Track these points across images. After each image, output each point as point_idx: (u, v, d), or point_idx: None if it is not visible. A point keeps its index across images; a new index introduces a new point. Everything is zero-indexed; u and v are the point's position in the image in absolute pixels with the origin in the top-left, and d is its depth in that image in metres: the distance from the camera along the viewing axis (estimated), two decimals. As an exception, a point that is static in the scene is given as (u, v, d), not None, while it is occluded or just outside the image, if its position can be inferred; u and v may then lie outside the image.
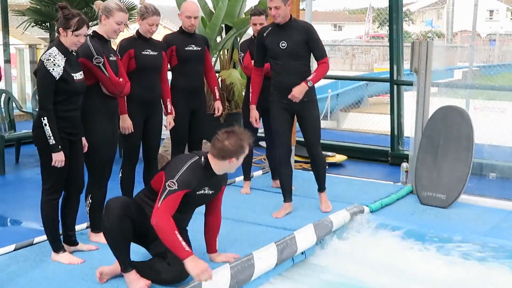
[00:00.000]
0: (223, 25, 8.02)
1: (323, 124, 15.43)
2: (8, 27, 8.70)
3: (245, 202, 5.56)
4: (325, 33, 43.14)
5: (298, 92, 4.87)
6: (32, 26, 7.92)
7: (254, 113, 5.37)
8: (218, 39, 8.03)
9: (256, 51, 5.19)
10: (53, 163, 3.85)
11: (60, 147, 3.82)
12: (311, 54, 5.06)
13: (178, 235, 3.52)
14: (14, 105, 7.59)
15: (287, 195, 5.24)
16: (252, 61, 5.51)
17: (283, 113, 5.09)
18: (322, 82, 18.18)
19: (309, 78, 4.92)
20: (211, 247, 4.09)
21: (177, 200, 3.58)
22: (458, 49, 21.65)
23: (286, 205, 5.22)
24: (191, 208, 3.89)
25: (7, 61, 8.76)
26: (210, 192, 3.82)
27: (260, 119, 5.67)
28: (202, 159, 3.73)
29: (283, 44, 4.96)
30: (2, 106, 7.39)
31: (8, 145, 7.47)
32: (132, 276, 3.60)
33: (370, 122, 13.36)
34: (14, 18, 8.79)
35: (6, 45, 8.78)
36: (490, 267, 4.44)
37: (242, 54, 5.73)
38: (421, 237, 4.90)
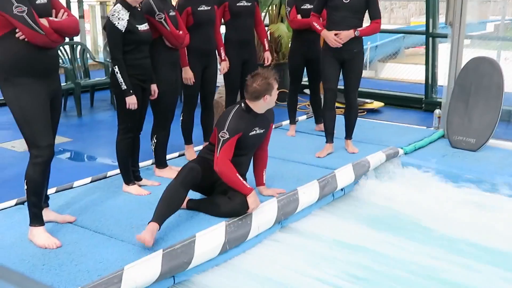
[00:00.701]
0: (272, -18, 7.83)
1: (363, 73, 15.20)
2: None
3: (290, 143, 5.55)
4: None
5: (344, 35, 4.79)
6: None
7: (330, 35, 4.89)
8: (268, -5, 7.86)
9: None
10: (127, 106, 3.90)
11: (131, 91, 3.86)
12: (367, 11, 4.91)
13: (239, 176, 3.62)
14: (88, 55, 7.68)
15: (329, 136, 5.19)
16: (298, 15, 5.40)
17: (333, 61, 4.98)
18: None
19: (359, 29, 4.82)
20: (259, 180, 4.11)
21: (232, 146, 3.63)
22: (491, 3, 20.65)
23: (327, 146, 5.18)
24: (250, 150, 3.90)
25: (81, 16, 8.83)
26: (261, 131, 3.84)
27: (304, 68, 5.60)
28: (243, 105, 3.77)
29: None
30: (78, 56, 7.49)
31: (84, 91, 7.63)
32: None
33: (406, 72, 13.02)
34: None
35: (80, 2, 8.82)
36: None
37: (289, 9, 5.60)
38: (452, 177, 4.84)
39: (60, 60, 7.26)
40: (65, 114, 7.16)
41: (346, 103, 5.23)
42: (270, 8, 8.02)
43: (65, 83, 7.09)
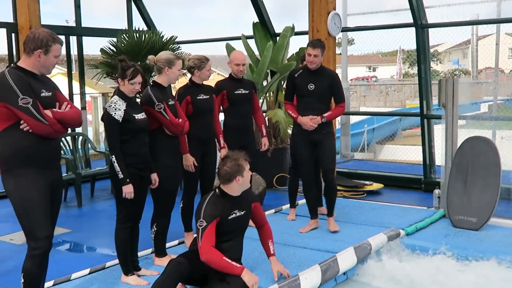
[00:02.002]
0: (269, 71, 8.08)
1: (361, 155, 15.35)
2: (84, 79, 8.99)
3: (291, 227, 5.51)
4: (360, 74, 43.11)
5: (314, 120, 5.10)
6: (104, 77, 8.15)
7: (306, 119, 5.17)
8: (265, 83, 8.09)
9: (286, 87, 5.38)
10: (123, 195, 3.92)
11: (128, 180, 3.89)
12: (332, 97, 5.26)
13: (226, 259, 3.60)
14: (89, 145, 7.79)
15: (313, 213, 5.39)
16: None
17: (305, 144, 5.23)
18: (359, 118, 18.13)
19: (325, 114, 5.15)
20: (267, 251, 4.12)
21: (211, 233, 3.66)
22: (483, 84, 21.22)
23: (311, 222, 5.38)
24: (236, 234, 3.89)
25: (83, 107, 9.01)
26: (242, 213, 3.87)
27: None
28: (217, 191, 3.83)
29: (311, 86, 5.15)
30: (79, 147, 7.59)
31: (84, 181, 7.66)
32: None
33: (404, 153, 13.16)
34: (89, 71, 9.09)
35: (83, 94, 9.06)
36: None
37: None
38: (456, 257, 4.75)
39: (62, 151, 7.36)
40: (66, 205, 7.16)
41: (324, 183, 5.37)
42: (267, 94, 8.24)
43: (66, 174, 7.14)
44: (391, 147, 16.28)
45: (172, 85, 5.15)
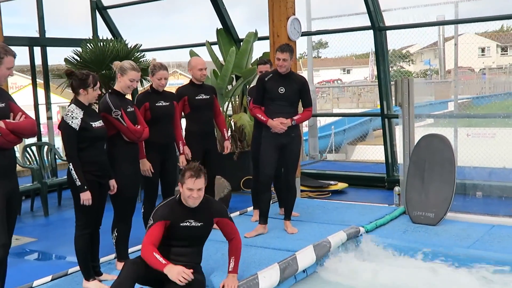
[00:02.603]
0: (233, 76, 8.19)
1: (333, 156, 15.54)
2: (49, 89, 8.97)
3: (254, 228, 5.58)
4: (335, 76, 43.49)
5: (284, 123, 5.17)
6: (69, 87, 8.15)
7: (276, 122, 5.23)
8: (229, 87, 8.19)
9: (256, 91, 5.39)
10: (81, 202, 3.97)
11: (85, 187, 3.94)
12: (300, 101, 5.36)
13: (156, 254, 3.61)
14: (55, 155, 7.78)
15: (263, 218, 5.41)
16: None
17: (272, 147, 5.27)
18: (329, 119, 18.25)
19: (295, 117, 5.24)
20: (228, 266, 4.08)
21: (155, 232, 3.72)
22: (452, 83, 21.64)
23: (259, 227, 5.39)
24: (191, 241, 3.91)
25: (50, 117, 9.00)
26: (198, 224, 3.87)
27: None
28: (177, 197, 3.88)
29: (282, 90, 5.22)
30: (45, 156, 7.59)
31: (52, 190, 7.66)
32: None
33: (375, 153, 13.35)
34: (55, 80, 9.09)
35: (49, 104, 9.03)
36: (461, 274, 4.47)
37: (249, 98, 5.88)
38: (411, 252, 4.89)
39: (27, 161, 7.35)
40: (32, 214, 7.15)
41: (285, 185, 5.46)
42: (232, 99, 8.33)
43: (32, 183, 7.14)
44: (362, 147, 16.49)
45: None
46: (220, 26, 8.60)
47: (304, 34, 7.50)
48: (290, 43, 6.86)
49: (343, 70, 47.43)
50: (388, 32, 7.54)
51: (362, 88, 33.39)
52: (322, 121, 18.92)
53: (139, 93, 5.18)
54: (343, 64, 46.07)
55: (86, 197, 3.96)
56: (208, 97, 5.46)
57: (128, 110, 4.47)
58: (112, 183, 4.26)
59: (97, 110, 4.33)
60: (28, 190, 7.20)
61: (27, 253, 5.57)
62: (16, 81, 26.54)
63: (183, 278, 3.50)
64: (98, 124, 4.07)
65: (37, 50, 8.73)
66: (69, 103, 4.10)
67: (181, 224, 3.82)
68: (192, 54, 8.14)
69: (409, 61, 40.74)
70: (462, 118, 7.73)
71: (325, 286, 4.48)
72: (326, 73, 44.21)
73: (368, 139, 18.05)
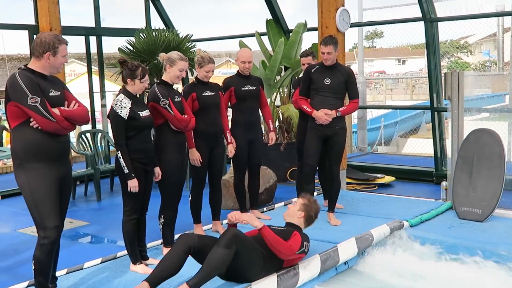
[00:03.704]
0: (282, 66, 8.23)
1: (384, 149, 15.37)
2: (103, 77, 9.27)
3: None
4: (389, 67, 42.77)
5: (329, 114, 5.19)
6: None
7: (321, 114, 5.26)
8: (278, 78, 8.24)
9: (302, 83, 5.44)
10: (128, 189, 4.14)
11: (133, 175, 4.10)
12: (347, 92, 5.36)
13: None
14: (108, 142, 8.06)
15: None
16: None
17: (316, 139, 5.32)
18: (379, 112, 18.02)
19: (340, 109, 5.22)
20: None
21: None
22: (508, 75, 20.97)
23: None
24: None
25: (104, 105, 9.30)
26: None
27: None
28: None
29: (327, 81, 5.24)
30: (99, 143, 7.88)
31: (104, 176, 7.96)
32: None
33: (427, 146, 13.15)
34: (110, 68, 9.39)
35: (103, 92, 9.34)
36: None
37: (293, 90, 5.93)
38: (456, 249, 4.83)
39: (82, 147, 7.66)
40: (86, 199, 7.46)
41: (328, 176, 5.47)
42: (280, 90, 8.39)
43: (86, 169, 7.44)
44: (414, 140, 16.22)
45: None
46: (270, 16, 8.65)
47: (353, 25, 7.46)
48: (339, 34, 6.87)
49: (398, 60, 46.52)
50: (444, 22, 7.41)
51: (417, 80, 32.76)
52: (374, 113, 18.74)
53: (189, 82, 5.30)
54: (399, 55, 45.19)
55: (133, 184, 4.12)
56: (254, 88, 5.54)
57: (176, 100, 4.60)
58: (157, 170, 4.41)
59: (145, 101, 4.47)
60: (82, 175, 7.51)
61: (79, 236, 5.83)
62: (74, 69, 27.48)
63: None
64: (145, 113, 4.22)
65: (92, 39, 9.03)
66: (118, 93, 4.26)
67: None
68: (242, 44, 8.23)
69: (467, 51, 39.60)
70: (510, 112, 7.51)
71: (366, 279, 4.50)
72: (380, 64, 43.48)
73: (421, 132, 17.73)
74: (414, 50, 45.18)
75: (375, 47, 47.62)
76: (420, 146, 14.12)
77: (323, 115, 5.19)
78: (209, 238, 4.03)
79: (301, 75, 6.20)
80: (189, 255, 3.83)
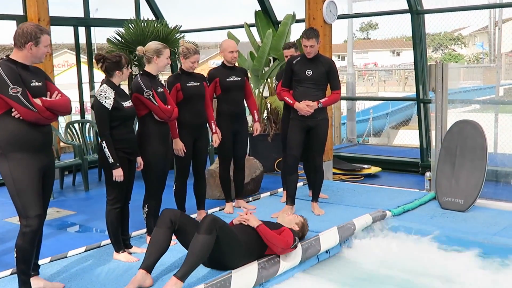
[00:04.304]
0: (270, 57, 8.26)
1: (372, 141, 15.43)
2: (92, 68, 9.28)
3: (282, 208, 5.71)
4: (384, 58, 42.79)
5: (310, 105, 5.24)
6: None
7: (302, 105, 5.30)
8: (266, 69, 8.27)
9: (284, 74, 5.48)
10: (114, 178, 4.18)
11: (117, 164, 4.15)
12: (328, 84, 5.40)
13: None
14: (97, 132, 8.07)
15: (290, 199, 5.51)
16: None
17: (299, 130, 5.37)
18: (369, 103, 18.04)
19: (322, 100, 5.26)
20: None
21: None
22: (502, 68, 21.06)
23: (285, 208, 5.47)
24: None
25: (93, 96, 9.29)
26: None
27: None
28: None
29: (309, 72, 5.26)
30: (87, 133, 7.90)
31: (92, 167, 7.99)
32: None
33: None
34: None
35: (93, 83, 9.33)
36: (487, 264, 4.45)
37: (276, 82, 5.97)
38: (437, 238, 4.91)
39: (70, 138, 7.68)
40: (74, 189, 7.49)
41: (312, 167, 5.53)
42: (268, 80, 8.43)
43: (73, 159, 7.47)
44: (405, 132, 16.29)
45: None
46: (259, 8, 8.67)
47: (340, 16, 7.49)
48: (326, 26, 6.92)
49: (392, 52, 46.54)
50: (437, 14, 7.47)
51: (411, 72, 32.78)
52: (366, 104, 18.77)
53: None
54: (393, 46, 45.20)
55: (118, 174, 4.17)
56: (239, 79, 5.57)
57: (159, 90, 4.63)
58: (139, 160, 4.46)
59: (126, 91, 4.51)
60: (70, 165, 7.54)
61: (66, 225, 5.87)
62: (68, 59, 27.38)
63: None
64: (128, 104, 4.26)
65: (81, 30, 9.02)
66: (100, 84, 4.29)
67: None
68: (230, 36, 8.25)
69: (461, 43, 39.64)
70: (497, 104, 7.58)
71: (348, 268, 4.56)
72: (374, 55, 43.49)
73: (412, 123, 17.79)
74: (408, 41, 45.17)
75: (369, 38, 47.57)
76: (410, 137, 14.19)
77: (305, 107, 5.24)
78: (191, 218, 4.16)
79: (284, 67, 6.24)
80: (173, 234, 3.92)
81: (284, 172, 5.99)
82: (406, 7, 7.38)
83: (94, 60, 9.21)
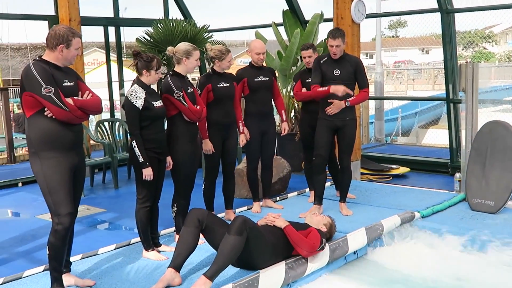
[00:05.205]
0: (298, 57, 8.25)
1: (401, 140, 15.28)
2: (122, 67, 9.40)
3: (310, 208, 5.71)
4: (413, 56, 42.31)
5: (336, 105, 5.21)
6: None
7: (340, 87, 5.22)
8: (294, 68, 8.26)
9: (314, 72, 5.41)
10: (143, 178, 4.24)
11: (147, 164, 4.20)
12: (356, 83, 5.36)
13: None
14: (126, 131, 8.19)
15: (318, 199, 5.50)
16: (304, 89, 5.78)
17: (327, 130, 5.34)
18: (397, 103, 17.86)
19: (349, 99, 5.22)
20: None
21: None
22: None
23: (313, 208, 5.47)
24: None
25: (122, 94, 9.41)
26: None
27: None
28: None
29: (337, 72, 5.23)
30: (116, 132, 8.01)
31: (122, 164, 8.10)
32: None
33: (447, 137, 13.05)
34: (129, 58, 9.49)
35: (122, 81, 9.45)
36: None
37: (294, 83, 5.97)
38: (465, 239, 4.85)
39: (100, 136, 7.80)
40: (104, 187, 7.61)
41: (340, 167, 5.50)
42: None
43: (103, 157, 7.58)
44: (434, 131, 16.10)
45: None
46: (286, 7, 8.66)
47: (369, 16, 7.43)
48: (354, 26, 6.88)
49: (421, 50, 45.98)
50: (468, 12, 7.39)
51: (440, 70, 32.34)
52: (395, 103, 18.59)
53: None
54: (422, 44, 44.65)
55: (148, 173, 4.22)
56: (267, 79, 5.58)
57: (188, 91, 4.67)
58: (169, 159, 4.50)
59: (156, 91, 4.56)
60: (100, 163, 7.66)
61: (96, 222, 5.97)
62: (97, 57, 27.76)
63: None
64: (158, 104, 4.31)
65: (111, 29, 9.14)
66: (131, 84, 4.35)
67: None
68: (257, 35, 8.27)
69: (492, 41, 38.94)
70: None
71: (375, 269, 4.54)
72: (403, 53, 43.02)
73: (441, 123, 17.57)
74: (438, 39, 44.54)
75: (398, 36, 47.06)
76: (440, 137, 14.02)
77: (341, 87, 5.15)
78: (219, 217, 4.20)
79: (302, 69, 6.24)
80: (200, 233, 3.96)
81: (309, 173, 5.98)
82: (435, 5, 7.30)
83: (123, 59, 9.40)
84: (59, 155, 3.62)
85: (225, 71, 5.22)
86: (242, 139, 5.49)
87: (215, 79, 5.15)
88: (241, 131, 5.48)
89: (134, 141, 4.20)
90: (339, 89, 5.18)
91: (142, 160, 4.20)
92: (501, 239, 4.76)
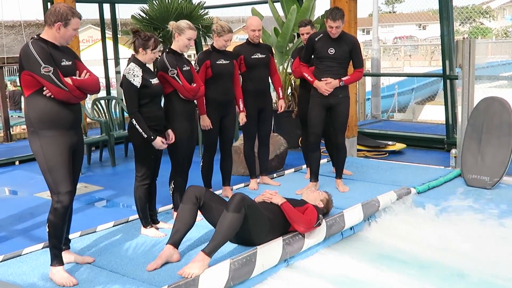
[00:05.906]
0: (295, 34, 8.23)
1: (397, 116, 15.31)
2: (117, 45, 9.35)
3: (306, 185, 5.75)
4: (410, 32, 42.09)
5: (330, 85, 5.21)
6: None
7: (321, 84, 5.27)
8: (290, 45, 8.25)
9: (305, 50, 5.43)
10: (158, 147, 4.27)
11: (153, 136, 4.22)
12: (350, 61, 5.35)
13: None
14: (123, 109, 8.19)
15: (313, 176, 5.54)
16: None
17: (321, 107, 5.34)
18: (394, 79, 17.86)
19: (344, 78, 5.24)
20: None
21: None
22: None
23: (309, 184, 5.51)
24: None
25: (118, 72, 9.39)
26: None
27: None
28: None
29: (332, 51, 5.21)
30: (113, 110, 8.00)
31: (119, 142, 8.12)
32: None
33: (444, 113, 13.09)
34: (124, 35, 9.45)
35: (118, 59, 9.42)
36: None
37: (292, 60, 5.96)
38: (459, 214, 4.91)
39: (97, 114, 7.80)
40: (101, 164, 7.64)
41: (334, 144, 5.53)
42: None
43: (100, 135, 7.59)
44: (431, 107, 16.14)
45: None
46: (282, -17, 8.60)
47: (366, -9, 7.40)
48: (351, 2, 6.84)
49: (418, 26, 45.74)
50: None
51: (437, 46, 32.23)
52: (392, 80, 18.57)
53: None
54: (419, 20, 44.40)
55: (159, 144, 4.25)
56: (264, 56, 5.56)
57: (184, 69, 4.66)
58: (169, 132, 4.50)
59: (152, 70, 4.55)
60: (97, 141, 7.68)
61: (94, 200, 6.01)
62: (92, 35, 27.55)
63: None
64: (155, 81, 4.31)
65: (106, 6, 9.07)
66: (127, 62, 4.34)
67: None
68: (254, 12, 8.23)
69: (489, 17, 38.75)
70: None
71: (372, 245, 4.58)
72: (400, 29, 42.83)
73: (438, 99, 17.60)
74: (435, 15, 44.30)
75: (395, 12, 46.80)
76: (436, 113, 14.06)
77: (323, 86, 5.20)
78: (216, 195, 4.23)
79: (300, 45, 6.22)
80: (198, 210, 4.00)
81: (307, 150, 6.01)
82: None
83: (119, 36, 9.35)
84: (59, 134, 3.63)
85: (226, 49, 5.21)
86: (242, 117, 5.50)
87: (214, 56, 5.14)
88: (241, 109, 5.48)
89: (133, 119, 4.21)
90: (321, 87, 5.22)
91: (147, 135, 4.20)
92: (497, 213, 4.82)
